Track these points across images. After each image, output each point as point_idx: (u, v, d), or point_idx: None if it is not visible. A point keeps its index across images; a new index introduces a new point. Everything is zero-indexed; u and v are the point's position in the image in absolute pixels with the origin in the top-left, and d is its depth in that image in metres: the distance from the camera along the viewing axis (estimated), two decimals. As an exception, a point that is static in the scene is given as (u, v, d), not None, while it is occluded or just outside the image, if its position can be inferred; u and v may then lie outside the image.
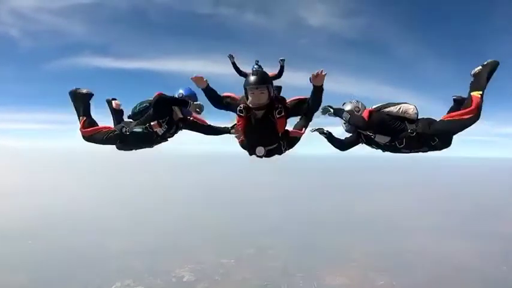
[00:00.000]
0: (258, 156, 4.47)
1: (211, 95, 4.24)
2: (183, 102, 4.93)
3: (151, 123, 4.92)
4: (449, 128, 4.54)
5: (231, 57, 7.22)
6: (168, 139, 5.31)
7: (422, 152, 4.92)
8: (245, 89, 4.01)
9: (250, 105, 4.04)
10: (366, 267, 42.30)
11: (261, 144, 4.36)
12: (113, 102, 5.62)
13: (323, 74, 3.72)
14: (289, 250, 47.19)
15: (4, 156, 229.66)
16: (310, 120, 5.07)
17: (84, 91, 5.31)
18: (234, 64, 7.23)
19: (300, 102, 4.18)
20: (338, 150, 5.36)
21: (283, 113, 4.12)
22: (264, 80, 3.98)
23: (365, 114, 4.71)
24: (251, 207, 74.62)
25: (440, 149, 4.93)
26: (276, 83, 5.10)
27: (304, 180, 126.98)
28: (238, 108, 4.17)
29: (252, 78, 3.95)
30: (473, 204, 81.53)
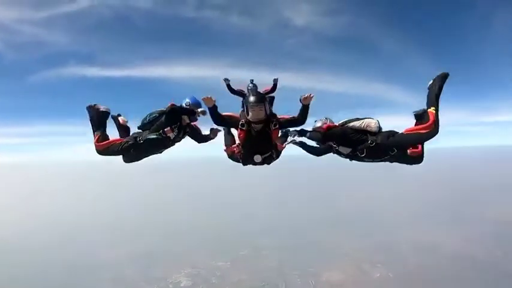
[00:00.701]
0: (255, 163, 5.33)
1: (215, 113, 4.98)
2: (191, 112, 5.70)
3: (165, 129, 5.62)
4: (407, 141, 5.03)
5: (226, 80, 8.03)
6: (176, 143, 5.96)
7: (389, 161, 5.44)
8: (246, 106, 4.85)
9: (251, 120, 4.89)
10: (360, 261, 42.73)
11: (258, 152, 5.19)
12: (119, 118, 6.20)
13: (311, 96, 4.73)
14: (283, 249, 47.25)
15: None
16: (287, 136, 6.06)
17: (103, 108, 5.78)
18: (228, 86, 8.04)
19: (291, 120, 5.04)
20: (314, 156, 6.15)
21: (277, 126, 5.01)
22: (262, 99, 4.87)
23: (323, 128, 5.40)
24: (241, 209, 74.53)
25: (411, 163, 5.58)
26: None
27: (292, 180, 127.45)
28: (241, 122, 4.99)
29: (252, 98, 4.83)
30: (461, 192, 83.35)
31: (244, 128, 5.00)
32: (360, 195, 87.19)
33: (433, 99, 4.87)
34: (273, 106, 7.60)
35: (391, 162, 5.48)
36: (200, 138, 6.36)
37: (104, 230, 59.50)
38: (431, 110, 4.84)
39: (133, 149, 5.64)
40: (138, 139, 5.62)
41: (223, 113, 5.09)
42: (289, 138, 5.96)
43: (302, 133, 5.72)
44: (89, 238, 54.71)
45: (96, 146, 5.57)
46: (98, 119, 5.68)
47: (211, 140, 6.37)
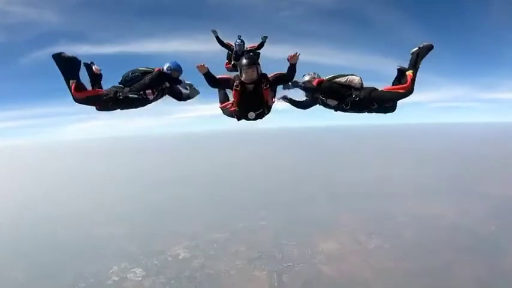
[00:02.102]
0: (249, 119, 5.75)
1: (210, 78, 5.35)
2: (177, 82, 6.01)
3: (146, 91, 5.82)
4: (386, 97, 5.77)
5: (214, 32, 8.20)
6: (154, 102, 6.13)
7: (368, 112, 6.02)
8: (240, 68, 5.25)
9: (244, 80, 5.27)
10: (356, 232, 43.48)
11: (252, 110, 5.61)
12: (93, 66, 5.96)
13: (297, 55, 5.16)
14: (279, 221, 48.04)
15: None
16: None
17: (70, 55, 5.55)
18: (217, 38, 8.25)
19: (279, 76, 5.47)
20: (301, 109, 6.62)
21: (268, 85, 5.41)
22: (254, 61, 5.27)
23: (315, 82, 5.88)
24: (238, 183, 75.37)
25: (385, 112, 6.12)
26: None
27: (288, 153, 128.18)
28: (235, 83, 5.36)
29: (245, 61, 5.20)
30: (460, 167, 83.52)
31: (238, 89, 5.37)
32: (356, 169, 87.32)
33: (413, 64, 5.57)
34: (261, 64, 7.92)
35: (370, 113, 6.05)
36: (179, 97, 6.46)
37: (102, 208, 60.30)
38: (410, 73, 5.56)
39: (112, 103, 5.73)
40: (118, 94, 5.69)
41: (218, 76, 5.45)
42: (281, 94, 6.34)
43: (295, 85, 6.10)
44: (88, 216, 55.53)
45: (74, 94, 5.46)
46: (69, 67, 5.50)
47: (190, 100, 6.51)
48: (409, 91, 5.53)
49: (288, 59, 5.23)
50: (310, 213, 50.84)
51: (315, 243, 40.55)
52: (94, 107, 5.96)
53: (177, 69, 5.92)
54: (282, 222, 47.46)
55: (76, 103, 5.59)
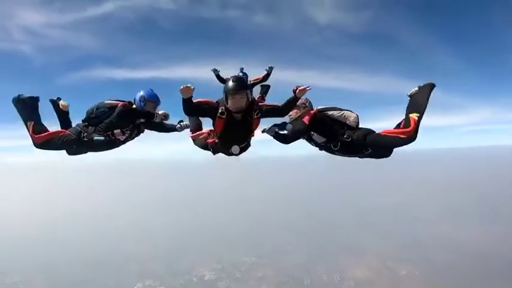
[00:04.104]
0: (230, 154, 4.84)
1: (190, 105, 4.30)
2: (149, 116, 4.91)
3: (114, 132, 4.89)
4: (384, 143, 4.79)
5: (215, 70, 7.68)
6: (128, 143, 5.21)
7: (359, 157, 5.22)
8: (225, 94, 4.25)
9: (231, 109, 4.33)
10: (385, 258, 42.17)
11: (236, 143, 4.72)
12: (60, 103, 5.11)
13: (307, 89, 4.36)
14: (307, 246, 47.19)
15: (19, 171, 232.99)
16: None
17: (28, 95, 4.91)
18: (218, 76, 7.67)
19: (274, 108, 4.61)
20: (282, 143, 5.55)
21: (259, 115, 4.52)
22: (242, 86, 4.30)
23: (306, 119, 4.96)
24: (266, 208, 75.05)
25: (378, 157, 5.27)
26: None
27: (309, 180, 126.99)
28: (220, 110, 4.40)
29: (232, 84, 4.20)
30: (488, 191, 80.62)
31: (224, 117, 4.43)
32: (379, 195, 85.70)
33: (418, 106, 4.59)
34: (268, 95, 7.43)
35: (361, 158, 5.26)
36: (162, 129, 5.47)
37: (132, 227, 60.95)
38: (414, 115, 4.54)
39: (76, 145, 4.91)
40: (82, 135, 4.85)
41: (195, 100, 4.40)
42: (268, 131, 5.30)
43: (282, 127, 5.18)
44: (117, 234, 56.22)
45: (33, 138, 4.73)
46: (28, 108, 4.84)
47: (177, 132, 5.52)
48: (411, 138, 4.50)
49: (293, 90, 4.37)
50: (338, 239, 49.80)
51: (343, 269, 39.58)
52: (63, 151, 5.12)
53: (152, 99, 4.87)
54: (309, 248, 46.61)
55: (37, 149, 4.79)
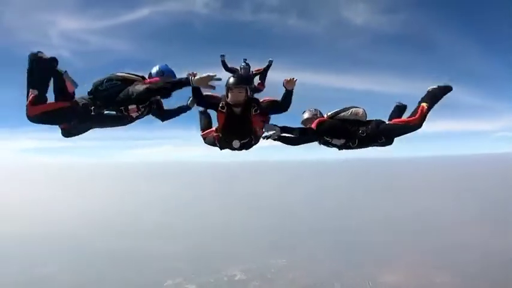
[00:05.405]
0: (233, 148, 5.02)
1: (199, 93, 4.70)
2: (169, 93, 4.64)
3: (129, 107, 4.48)
4: (395, 130, 5.26)
5: (222, 56, 8.05)
6: (134, 122, 4.83)
7: (372, 147, 5.51)
8: (226, 88, 4.56)
9: (230, 102, 4.60)
10: (419, 265, 41.24)
11: (236, 138, 4.88)
12: (67, 79, 4.27)
13: (294, 80, 4.49)
14: (338, 251, 46.98)
15: (56, 170, 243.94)
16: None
17: (50, 56, 4.12)
18: (223, 62, 8.03)
19: (273, 103, 4.77)
20: (291, 146, 5.80)
21: (258, 111, 4.70)
22: (242, 81, 4.64)
23: (314, 124, 5.23)
24: (297, 210, 75.49)
25: (384, 145, 5.54)
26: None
27: (341, 185, 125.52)
28: (220, 104, 4.65)
29: (232, 79, 4.55)
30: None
31: (223, 111, 4.68)
32: (406, 202, 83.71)
33: (431, 99, 5.07)
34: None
35: (373, 147, 5.56)
36: (165, 116, 5.29)
37: (164, 226, 62.79)
38: (424, 104, 5.01)
39: (80, 119, 4.36)
40: (89, 108, 4.27)
41: (206, 93, 4.78)
42: (268, 133, 5.31)
43: (286, 130, 5.26)
44: (150, 232, 58.09)
45: (29, 109, 4.02)
46: (40, 73, 4.10)
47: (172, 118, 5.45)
48: (419, 124, 4.99)
49: (283, 84, 4.53)
50: (368, 245, 49.11)
51: (375, 275, 39.17)
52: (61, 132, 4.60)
53: (170, 74, 4.73)
54: (340, 253, 46.35)
55: (31, 121, 4.11)
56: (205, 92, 4.77)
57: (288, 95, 4.59)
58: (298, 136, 5.43)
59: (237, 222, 65.79)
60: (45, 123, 4.25)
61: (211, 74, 4.19)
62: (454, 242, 48.19)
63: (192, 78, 4.20)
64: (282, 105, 4.70)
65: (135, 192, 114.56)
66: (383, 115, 5.58)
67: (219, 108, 4.70)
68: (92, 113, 4.28)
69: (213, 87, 4.34)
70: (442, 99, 5.18)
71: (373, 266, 41.45)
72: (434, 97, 5.11)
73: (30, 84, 4.04)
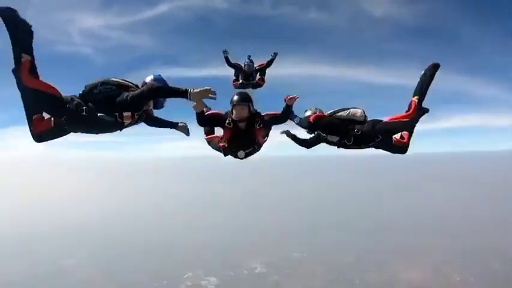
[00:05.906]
0: (238, 158, 5.44)
1: (203, 117, 4.93)
2: (161, 104, 4.89)
3: (124, 113, 4.24)
4: (390, 129, 5.32)
5: (225, 52, 8.08)
6: (124, 129, 4.57)
7: (374, 147, 5.58)
8: (231, 105, 4.89)
9: (234, 118, 4.93)
10: (439, 264, 41.18)
11: (241, 148, 5.29)
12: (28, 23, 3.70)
13: (296, 98, 4.94)
14: (358, 246, 47.28)
15: (83, 165, 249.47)
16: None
17: (24, 18, 3.64)
18: (226, 58, 8.10)
19: (274, 116, 5.16)
20: (304, 148, 6.34)
21: (261, 125, 5.07)
22: (245, 99, 4.91)
23: (311, 118, 5.49)
24: (319, 206, 75.97)
25: (394, 152, 5.71)
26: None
27: (362, 179, 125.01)
28: (227, 121, 5.00)
29: (236, 97, 4.86)
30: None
31: (230, 126, 5.04)
32: (441, 195, 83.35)
33: (420, 89, 5.13)
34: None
35: (377, 148, 5.64)
36: (152, 122, 5.20)
37: (186, 219, 64.81)
38: (415, 99, 5.10)
39: (69, 119, 3.98)
40: (80, 107, 3.98)
41: (208, 113, 5.04)
42: (286, 132, 6.22)
43: (292, 118, 5.67)
44: (172, 225, 60.08)
45: (24, 79, 3.64)
46: (21, 32, 3.61)
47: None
48: (413, 119, 5.07)
49: (284, 99, 4.98)
50: (390, 241, 49.21)
51: (395, 272, 39.40)
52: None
53: (161, 82, 4.65)
54: (360, 247, 46.65)
55: (20, 92, 3.74)
56: (207, 107, 5.04)
57: (288, 110, 5.07)
58: (307, 146, 6.21)
59: (257, 217, 66.61)
60: (35, 102, 3.92)
61: (208, 87, 4.21)
62: (480, 242, 47.52)
63: (191, 91, 4.16)
64: (282, 118, 5.19)
65: (154, 186, 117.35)
66: (402, 109, 5.47)
67: (226, 125, 5.04)
68: (83, 113, 3.99)
69: (214, 98, 4.32)
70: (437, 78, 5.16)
71: (394, 262, 41.64)
72: (423, 84, 5.18)
73: (21, 48, 3.64)
